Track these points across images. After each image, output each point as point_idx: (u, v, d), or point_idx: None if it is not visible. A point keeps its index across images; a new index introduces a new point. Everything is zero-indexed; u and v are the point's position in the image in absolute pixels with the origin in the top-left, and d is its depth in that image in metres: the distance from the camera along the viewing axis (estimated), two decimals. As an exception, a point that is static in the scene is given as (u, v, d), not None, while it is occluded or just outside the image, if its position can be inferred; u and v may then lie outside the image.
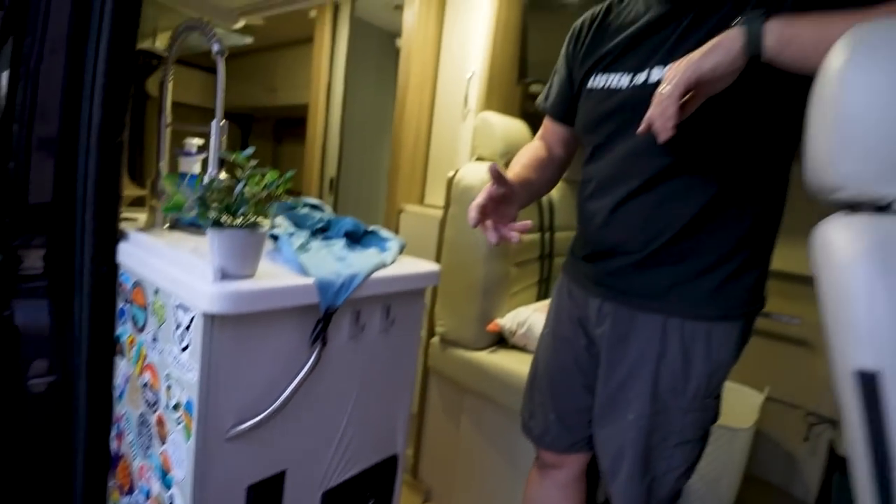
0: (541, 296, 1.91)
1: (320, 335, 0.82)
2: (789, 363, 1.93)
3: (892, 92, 0.46)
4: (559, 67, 1.02)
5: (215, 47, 0.94)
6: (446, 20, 1.95)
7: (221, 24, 1.42)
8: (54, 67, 0.86)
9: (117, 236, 0.92)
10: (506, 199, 0.83)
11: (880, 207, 0.47)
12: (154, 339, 0.82)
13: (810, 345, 1.90)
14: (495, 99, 1.86)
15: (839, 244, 0.46)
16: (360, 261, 0.91)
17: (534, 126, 1.86)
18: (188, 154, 1.18)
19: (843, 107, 0.48)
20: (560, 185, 1.98)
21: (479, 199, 0.80)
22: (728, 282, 0.82)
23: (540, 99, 1.09)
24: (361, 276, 0.84)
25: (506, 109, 1.90)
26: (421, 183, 2.02)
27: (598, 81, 0.89)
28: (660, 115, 0.65)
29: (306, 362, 0.81)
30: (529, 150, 1.07)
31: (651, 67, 0.81)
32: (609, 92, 0.87)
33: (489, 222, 0.81)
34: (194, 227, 1.08)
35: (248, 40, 1.88)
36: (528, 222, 0.83)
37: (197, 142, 1.19)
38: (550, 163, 1.06)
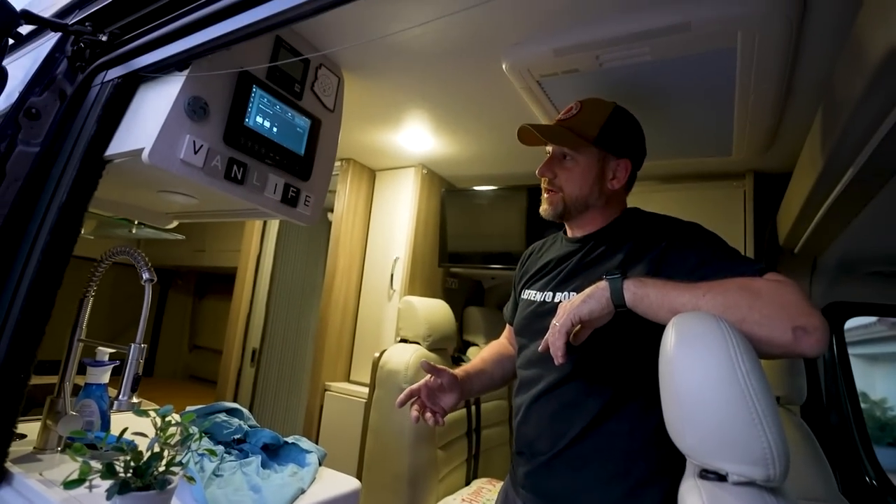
0: (470, 475, 1.87)
1: None
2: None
3: (707, 378, 0.59)
4: (513, 286, 1.23)
5: (145, 275, 0.98)
6: (374, 207, 2.17)
7: (154, 225, 1.49)
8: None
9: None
10: (442, 389, 1.01)
11: (722, 477, 0.57)
12: None
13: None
14: (419, 281, 2.01)
15: (693, 513, 0.55)
16: (276, 493, 0.88)
17: (454, 304, 2.01)
18: (99, 364, 1.14)
19: (677, 387, 0.61)
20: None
21: (416, 385, 1.00)
22: (636, 490, 0.89)
23: (504, 310, 1.27)
24: (275, 519, 0.81)
25: (428, 290, 2.05)
26: (347, 359, 2.04)
27: (525, 294, 1.09)
28: (552, 345, 0.79)
29: None
30: (494, 346, 1.25)
31: (554, 290, 1.01)
32: (529, 302, 1.06)
33: (416, 405, 0.99)
34: (92, 448, 1.01)
35: (181, 237, 1.96)
36: (442, 421, 0.99)
37: (108, 350, 1.17)
38: (510, 358, 1.21)
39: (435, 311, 1.83)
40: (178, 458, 0.73)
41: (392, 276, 1.98)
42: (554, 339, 0.79)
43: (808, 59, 1.01)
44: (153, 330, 3.92)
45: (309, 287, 2.63)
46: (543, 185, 1.03)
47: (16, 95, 1.08)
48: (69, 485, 0.62)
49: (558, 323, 0.79)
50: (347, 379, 2.03)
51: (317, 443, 1.25)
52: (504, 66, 1.15)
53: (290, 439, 1.11)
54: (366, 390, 1.83)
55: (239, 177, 0.97)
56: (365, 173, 2.13)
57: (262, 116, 1.00)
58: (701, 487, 0.57)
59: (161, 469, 0.71)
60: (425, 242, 2.07)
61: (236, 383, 2.31)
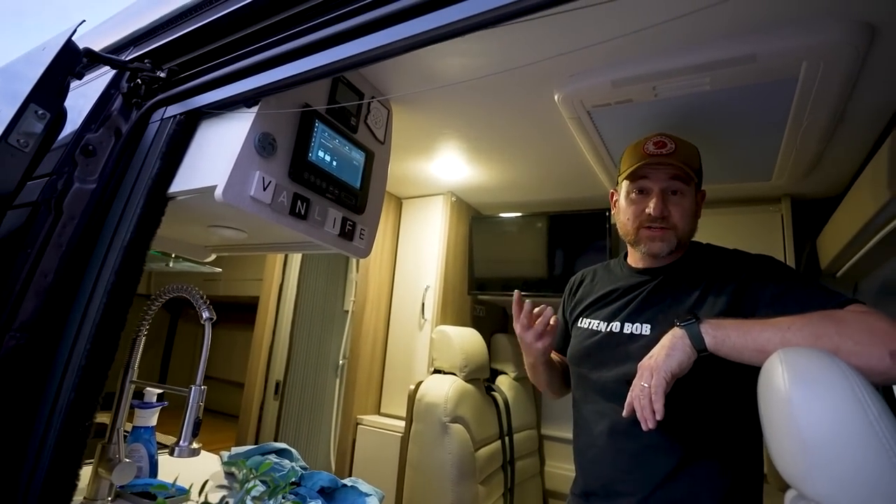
0: (508, 510, 1.81)
1: None
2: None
3: (835, 421, 0.57)
4: (560, 313, 1.22)
5: (205, 314, 0.96)
6: (401, 236, 2.15)
7: (194, 259, 1.46)
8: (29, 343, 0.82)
9: (59, 537, 0.79)
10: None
11: (862, 526, 0.54)
12: None
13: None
14: (450, 309, 1.98)
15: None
16: (349, 544, 0.84)
17: (482, 332, 1.98)
18: (147, 406, 1.10)
19: (800, 431, 0.58)
20: (512, 384, 2.05)
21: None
22: None
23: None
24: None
25: (458, 319, 2.03)
26: (378, 391, 1.99)
27: (583, 323, 1.07)
28: (644, 408, 0.75)
29: None
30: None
31: (622, 321, 0.99)
32: (591, 332, 1.04)
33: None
34: (141, 496, 0.97)
35: (218, 270, 1.93)
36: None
37: (156, 390, 1.13)
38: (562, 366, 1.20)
39: (469, 340, 1.80)
40: (259, 511, 0.69)
41: (423, 305, 1.96)
42: (647, 401, 0.75)
43: (866, 87, 1.01)
44: (162, 361, 3.84)
45: (329, 315, 2.58)
46: (643, 224, 0.98)
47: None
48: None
49: (648, 384, 0.76)
50: (378, 411, 1.98)
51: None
52: (557, 97, 1.15)
53: (347, 482, 1.06)
54: (398, 423, 1.78)
55: (302, 212, 0.95)
56: (392, 201, 2.12)
57: (323, 151, 0.99)
58: (841, 536, 0.54)
59: (245, 524, 0.67)
60: (455, 271, 2.05)
61: (259, 417, 2.24)
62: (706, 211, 1.74)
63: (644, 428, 0.74)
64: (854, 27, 0.83)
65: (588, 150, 1.42)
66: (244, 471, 0.68)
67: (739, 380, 0.84)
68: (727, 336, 0.75)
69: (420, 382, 1.70)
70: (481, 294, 2.11)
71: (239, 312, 3.32)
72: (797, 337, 0.71)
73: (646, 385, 0.75)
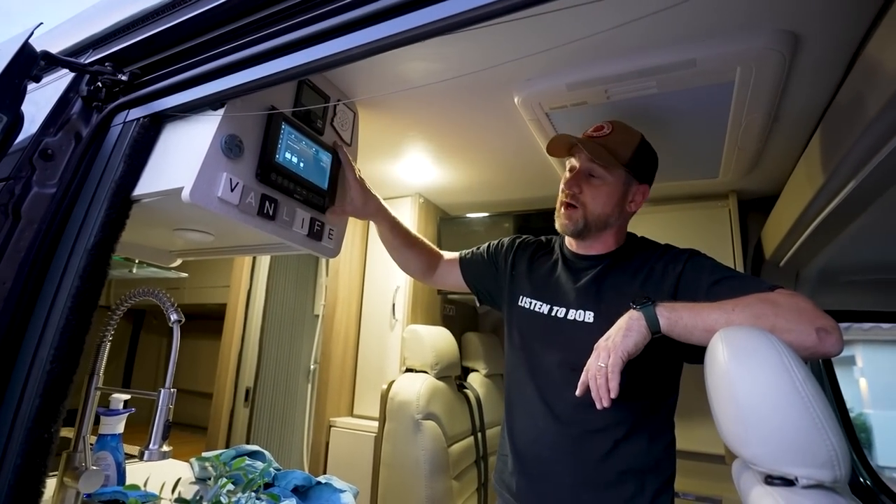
0: (481, 504, 1.85)
1: None
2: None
3: (766, 388, 0.63)
4: (488, 246, 1.28)
5: (173, 317, 0.96)
6: (370, 239, 2.17)
7: (158, 264, 1.44)
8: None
9: (25, 546, 0.77)
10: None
11: (789, 481, 0.61)
12: None
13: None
14: (420, 309, 2.01)
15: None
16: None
17: (452, 331, 2.02)
18: (113, 413, 1.09)
19: (737, 399, 0.64)
20: (484, 381, 2.09)
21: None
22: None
23: (463, 252, 1.33)
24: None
25: (429, 318, 2.06)
26: (350, 393, 2.00)
27: (525, 303, 1.10)
28: (600, 387, 0.78)
29: None
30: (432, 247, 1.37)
31: (567, 307, 1.03)
32: (533, 314, 1.07)
33: None
34: None
35: (184, 276, 1.89)
36: None
37: (122, 397, 1.12)
38: (427, 254, 1.36)
39: (440, 338, 1.83)
40: (234, 505, 0.71)
41: (394, 305, 1.98)
42: (603, 380, 0.77)
43: (795, 89, 1.11)
44: (125, 372, 3.71)
45: (299, 320, 2.57)
46: (562, 200, 1.04)
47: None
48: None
49: (605, 363, 0.78)
50: (351, 413, 1.99)
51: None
52: (516, 100, 1.20)
53: (321, 479, 1.08)
54: (372, 423, 1.79)
55: (271, 213, 0.97)
56: (360, 204, 2.14)
57: (290, 152, 1.01)
58: (775, 494, 0.60)
59: (220, 518, 0.68)
60: (424, 270, 2.08)
61: (229, 425, 2.21)
62: (660, 208, 1.86)
63: (598, 406, 0.78)
64: (778, 35, 0.91)
65: (548, 151, 1.48)
66: (218, 466, 0.69)
67: (668, 362, 0.93)
68: (680, 318, 0.81)
69: (392, 382, 1.72)
70: (451, 294, 2.15)
71: (204, 321, 3.25)
72: (740, 317, 0.78)
73: (602, 365, 0.78)
